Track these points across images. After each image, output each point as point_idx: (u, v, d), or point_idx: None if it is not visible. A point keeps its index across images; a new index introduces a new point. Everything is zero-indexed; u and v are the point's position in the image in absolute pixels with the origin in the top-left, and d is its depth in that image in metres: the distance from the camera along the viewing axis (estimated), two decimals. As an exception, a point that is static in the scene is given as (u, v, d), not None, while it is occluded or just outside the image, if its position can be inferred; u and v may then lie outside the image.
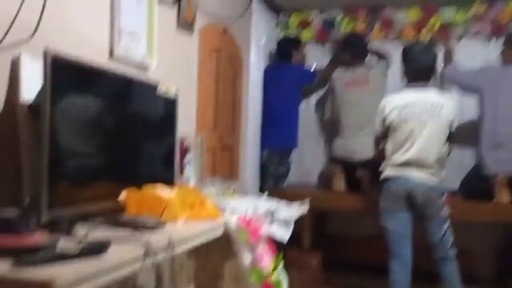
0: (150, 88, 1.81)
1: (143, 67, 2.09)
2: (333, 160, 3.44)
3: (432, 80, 2.51)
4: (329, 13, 3.73)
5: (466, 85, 3.01)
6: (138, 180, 1.61)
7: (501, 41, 3.16)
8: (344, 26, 3.68)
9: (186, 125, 2.51)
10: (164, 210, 1.48)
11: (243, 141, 3.29)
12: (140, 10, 2.05)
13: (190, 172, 2.24)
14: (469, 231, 3.26)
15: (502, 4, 3.28)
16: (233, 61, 3.14)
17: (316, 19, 3.76)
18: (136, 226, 1.37)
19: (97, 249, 1.09)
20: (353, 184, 3.29)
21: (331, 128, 3.66)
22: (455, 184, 3.26)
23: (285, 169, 3.57)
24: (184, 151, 2.28)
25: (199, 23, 2.64)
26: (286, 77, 3.49)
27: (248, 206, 1.85)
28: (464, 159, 3.30)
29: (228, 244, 1.67)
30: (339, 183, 3.32)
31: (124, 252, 1.16)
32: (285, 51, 3.59)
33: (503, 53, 3.04)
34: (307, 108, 3.87)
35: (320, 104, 3.86)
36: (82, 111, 1.43)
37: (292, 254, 3.15)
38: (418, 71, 2.45)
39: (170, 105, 2.01)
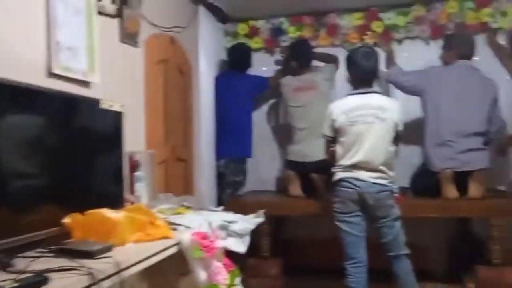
0: (92, 104, 1.74)
1: (85, 83, 2.00)
2: (288, 165, 3.46)
3: (376, 83, 2.56)
4: (276, 21, 3.76)
5: (409, 87, 3.10)
6: (84, 202, 1.54)
7: (440, 42, 3.28)
8: (291, 34, 3.71)
9: (135, 139, 2.43)
10: (112, 233, 1.41)
11: (197, 152, 3.24)
12: (79, 22, 1.95)
13: (141, 189, 2.17)
14: (421, 227, 3.36)
15: (440, 7, 3.41)
16: (182, 70, 3.08)
17: (264, 27, 3.79)
18: (81, 252, 1.30)
19: (36, 284, 1.02)
20: (308, 188, 3.31)
21: (284, 134, 3.69)
22: (405, 181, 3.37)
23: (242, 177, 3.55)
24: (134, 167, 2.20)
25: (144, 33, 2.57)
26: (238, 85, 3.47)
27: (202, 221, 1.81)
28: (412, 157, 3.40)
29: (183, 262, 1.62)
30: (295, 188, 3.34)
31: (67, 283, 1.09)
32: (237, 59, 3.58)
33: (443, 54, 3.16)
34: (260, 116, 3.87)
35: (273, 111, 3.89)
36: (19, 132, 1.34)
37: (251, 263, 3.14)
38: (362, 75, 2.51)
39: (116, 120, 1.94)
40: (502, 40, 3.31)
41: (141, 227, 1.52)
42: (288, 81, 3.46)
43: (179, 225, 1.76)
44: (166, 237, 1.57)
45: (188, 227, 1.74)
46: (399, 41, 3.56)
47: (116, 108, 1.93)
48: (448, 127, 2.90)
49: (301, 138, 3.34)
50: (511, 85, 3.27)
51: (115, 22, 2.31)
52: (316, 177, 3.25)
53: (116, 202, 1.89)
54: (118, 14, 2.32)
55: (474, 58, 3.10)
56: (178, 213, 1.95)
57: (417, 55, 3.53)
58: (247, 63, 3.62)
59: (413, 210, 2.91)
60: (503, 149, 3.07)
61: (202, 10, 3.29)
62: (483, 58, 3.34)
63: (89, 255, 1.29)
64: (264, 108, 3.91)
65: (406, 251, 2.45)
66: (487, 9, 3.32)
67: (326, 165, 2.79)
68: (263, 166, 3.86)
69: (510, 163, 3.19)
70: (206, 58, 3.36)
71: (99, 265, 1.21)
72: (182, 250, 1.59)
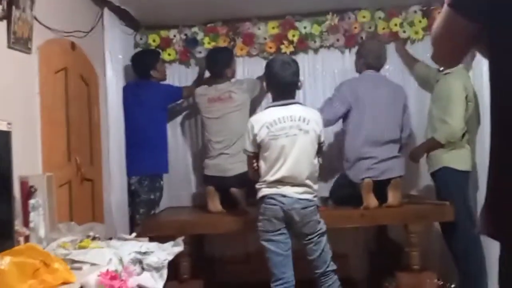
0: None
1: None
2: (206, 180, 3.27)
3: (295, 94, 2.49)
4: (189, 31, 3.57)
5: (341, 114, 3.00)
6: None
7: (354, 51, 3.33)
8: (206, 44, 3.55)
9: (29, 161, 2.11)
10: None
11: (106, 170, 2.94)
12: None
13: (38, 219, 1.86)
14: (343, 235, 3.37)
15: (352, 16, 3.47)
16: (86, 80, 2.78)
17: (177, 37, 3.58)
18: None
19: None
20: (229, 203, 3.16)
21: (201, 147, 3.52)
22: (326, 191, 3.36)
23: (157, 195, 3.29)
24: (28, 194, 1.89)
25: (38, 39, 2.25)
26: (148, 95, 3.22)
27: (112, 256, 1.57)
28: (332, 166, 3.41)
29: (88, 309, 1.37)
30: (215, 204, 3.16)
31: None
32: (143, 67, 3.30)
33: (356, 63, 3.19)
34: (175, 128, 3.66)
35: (189, 123, 3.69)
36: None
37: (170, 287, 2.90)
38: (281, 86, 2.42)
39: (2, 141, 1.63)
40: (410, 49, 3.44)
41: (34, 273, 1.25)
42: (203, 91, 3.27)
43: (83, 262, 1.51)
44: (66, 282, 1.31)
45: (94, 264, 1.49)
46: (315, 50, 3.56)
47: (1, 127, 1.63)
48: (365, 138, 2.92)
49: (218, 152, 3.16)
50: (420, 93, 3.40)
51: (2, 25, 1.98)
52: (236, 191, 3.11)
53: (6, 238, 1.59)
54: (5, 16, 1.99)
55: (384, 67, 3.17)
56: (83, 247, 1.69)
57: (332, 64, 3.56)
58: (150, 67, 3.30)
59: (335, 221, 2.87)
60: (415, 155, 3.16)
61: (107, 14, 3.00)
62: (394, 66, 3.47)
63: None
64: (179, 119, 3.70)
65: (333, 267, 2.40)
66: (396, 19, 3.43)
67: (246, 179, 2.67)
68: (180, 182, 3.65)
69: (421, 169, 3.30)
70: (114, 67, 3.07)
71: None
72: (87, 296, 1.34)
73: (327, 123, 2.90)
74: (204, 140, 3.34)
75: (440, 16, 0.98)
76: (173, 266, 2.90)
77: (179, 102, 3.56)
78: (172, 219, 3.14)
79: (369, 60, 3.07)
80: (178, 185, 3.64)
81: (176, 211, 3.42)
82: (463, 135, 2.92)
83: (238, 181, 3.03)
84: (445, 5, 0.96)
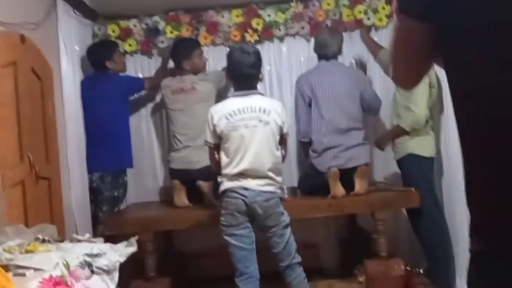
0: None
1: None
2: (172, 174, 3.19)
3: (257, 84, 2.42)
4: (150, 20, 3.45)
5: (307, 112, 3.02)
6: None
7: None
8: (168, 34, 3.44)
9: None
10: None
11: (65, 167, 2.82)
12: None
13: (-17, 222, 1.76)
14: (314, 225, 3.36)
15: (317, 3, 3.41)
16: (39, 74, 2.65)
17: (138, 27, 3.45)
18: None
19: None
20: (196, 196, 3.09)
21: (167, 140, 3.43)
22: (294, 181, 3.33)
23: (121, 191, 3.19)
24: (-28, 197, 1.78)
25: (-18, 32, 2.12)
26: (107, 88, 3.09)
27: (59, 259, 1.48)
28: (301, 157, 3.38)
29: (30, 318, 1.30)
30: (181, 198, 3.09)
31: None
32: (99, 59, 3.16)
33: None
34: (140, 120, 3.55)
35: (154, 115, 3.59)
36: None
37: (136, 286, 2.83)
38: (241, 76, 2.35)
39: None
40: (374, 36, 3.41)
41: (-34, 284, 1.16)
42: (168, 83, 3.20)
43: (28, 268, 1.42)
44: (3, 291, 1.23)
45: (38, 270, 1.41)
46: (280, 39, 3.50)
47: None
48: (327, 127, 2.91)
49: (184, 144, 3.09)
50: (385, 81, 3.38)
51: None
52: (203, 184, 3.04)
53: None
54: None
55: (347, 54, 3.14)
56: (30, 251, 1.60)
57: (298, 52, 3.51)
58: (106, 58, 3.15)
59: (302, 211, 2.86)
60: (381, 143, 3.15)
61: (61, 4, 2.86)
62: (359, 54, 3.44)
63: None
64: (144, 112, 3.59)
65: (298, 259, 2.37)
66: (361, 6, 3.39)
67: (213, 171, 2.61)
68: (146, 176, 3.56)
69: (387, 156, 3.29)
70: (70, 60, 2.94)
71: None
72: (28, 304, 1.26)
73: (308, 133, 2.97)
74: (170, 133, 3.26)
75: (393, 30, 0.93)
76: (139, 264, 2.86)
77: (142, 93, 3.45)
78: (137, 215, 3.06)
79: (318, 50, 3.08)
80: (144, 180, 3.56)
81: (141, 207, 3.34)
82: (427, 121, 2.92)
83: (205, 174, 2.96)
84: (395, 16, 0.92)
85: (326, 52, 3.04)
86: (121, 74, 3.29)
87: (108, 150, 3.09)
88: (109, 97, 3.08)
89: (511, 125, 0.76)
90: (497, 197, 0.78)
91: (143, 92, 3.43)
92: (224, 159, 2.31)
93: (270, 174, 2.28)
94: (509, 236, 0.77)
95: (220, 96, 3.12)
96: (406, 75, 0.97)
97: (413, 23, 0.86)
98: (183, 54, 3.14)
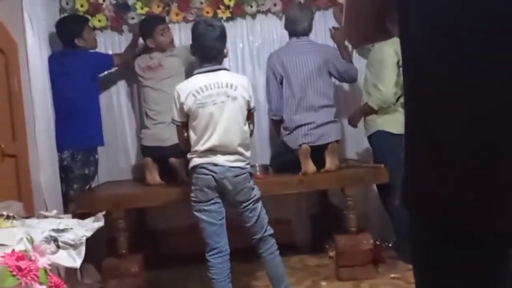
0: None
1: None
2: (144, 151, 3.17)
3: (222, 59, 2.40)
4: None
5: (278, 89, 3.05)
6: None
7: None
8: (139, 10, 3.37)
9: None
10: None
11: (32, 145, 2.76)
12: None
13: None
14: (284, 202, 3.40)
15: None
16: (2, 48, 2.56)
17: (107, 2, 3.37)
18: None
19: None
20: (168, 174, 3.09)
21: (140, 117, 3.40)
22: (266, 159, 3.35)
23: (92, 169, 3.15)
24: None
25: None
26: (74, 65, 3.03)
27: (23, 235, 1.47)
28: (273, 135, 3.40)
29: (-7, 293, 1.28)
30: (153, 176, 3.08)
31: None
32: (67, 35, 3.09)
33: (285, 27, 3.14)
34: (110, 97, 3.50)
35: (126, 92, 3.55)
36: None
37: (108, 263, 2.83)
38: (206, 51, 2.32)
39: None
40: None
41: None
42: (139, 61, 3.21)
43: (-10, 245, 1.40)
44: (-37, 266, 1.21)
45: (1, 245, 1.39)
46: (252, 16, 3.48)
47: None
48: (298, 105, 2.93)
49: (155, 121, 3.09)
50: (358, 60, 3.39)
51: None
52: (176, 161, 3.04)
53: None
54: None
55: (310, 32, 3.11)
56: (-7, 227, 1.57)
57: (270, 29, 3.51)
58: (75, 35, 3.08)
59: (274, 188, 2.89)
60: (352, 121, 3.19)
61: (23, -23, 2.76)
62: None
63: None
64: (115, 88, 3.53)
65: (270, 231, 2.40)
66: (335, -17, 3.38)
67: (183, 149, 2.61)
68: (119, 154, 3.53)
69: (360, 133, 3.34)
70: (36, 34, 2.84)
71: None
72: (-10, 279, 1.25)
73: (280, 111, 2.98)
74: (142, 110, 3.24)
75: None
76: (111, 242, 2.86)
77: (112, 70, 3.38)
78: (108, 193, 3.04)
79: (288, 27, 3.08)
80: (117, 158, 3.53)
81: (114, 185, 3.32)
82: (398, 99, 2.97)
83: (177, 151, 2.93)
84: None
85: (297, 29, 3.03)
86: (91, 51, 3.21)
87: (77, 128, 3.04)
88: (77, 75, 3.02)
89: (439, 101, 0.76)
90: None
91: (113, 69, 3.37)
92: (192, 136, 2.30)
93: (240, 149, 2.29)
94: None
95: (191, 72, 3.10)
96: (354, 31, 0.97)
97: None
98: (146, 32, 3.14)
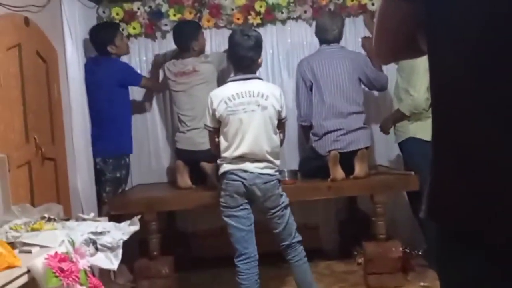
0: None
1: None
2: (177, 154, 3.25)
3: (256, 69, 2.44)
4: (154, 3, 3.46)
5: (308, 99, 3.07)
6: None
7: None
8: (172, 17, 3.45)
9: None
10: None
11: (69, 149, 2.88)
12: None
13: (-9, 202, 1.82)
14: (312, 207, 3.41)
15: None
16: (44, 56, 2.68)
17: (141, 10, 3.47)
18: None
19: None
20: (199, 178, 3.15)
21: (172, 121, 3.48)
22: (295, 164, 3.37)
23: (124, 172, 3.24)
24: (-20, 177, 1.84)
25: (-14, 15, 2.16)
26: (106, 73, 3.10)
27: (64, 237, 1.54)
28: (302, 140, 3.42)
29: (37, 292, 1.36)
30: (184, 179, 3.15)
31: None
32: (100, 43, 3.15)
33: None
34: (144, 103, 3.60)
35: (161, 97, 3.63)
36: None
37: (140, 264, 2.91)
38: (240, 60, 2.38)
39: None
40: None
41: (-25, 258, 1.22)
42: (170, 66, 3.25)
43: (33, 245, 1.49)
44: (11, 266, 1.29)
45: (44, 247, 1.47)
46: (282, 22, 3.50)
47: None
48: (328, 111, 2.94)
49: (188, 125, 3.14)
50: (388, 65, 3.37)
51: None
52: (206, 166, 3.09)
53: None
54: None
55: (340, 39, 3.11)
56: (35, 229, 1.66)
57: (300, 36, 3.52)
58: (107, 42, 3.14)
59: (302, 193, 2.91)
60: (384, 127, 3.17)
61: (64, -13, 2.88)
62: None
63: None
64: (148, 93, 3.62)
65: (299, 238, 2.43)
66: (366, -10, 3.38)
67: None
68: (151, 157, 3.61)
69: (392, 140, 3.31)
70: (75, 43, 2.97)
71: None
72: (35, 280, 1.33)
73: (309, 117, 3.01)
74: (176, 113, 3.29)
75: (380, 2, 0.94)
76: (143, 243, 2.94)
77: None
78: (140, 196, 3.12)
79: (319, 34, 3.09)
80: (149, 161, 3.61)
81: (146, 188, 3.40)
82: (430, 105, 2.93)
83: (208, 155, 2.99)
84: None
85: (327, 36, 3.05)
86: (124, 61, 3.28)
87: (107, 136, 3.11)
88: (106, 84, 3.09)
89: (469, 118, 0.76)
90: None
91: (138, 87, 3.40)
92: (223, 143, 2.35)
93: (269, 157, 2.32)
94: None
95: (222, 79, 3.16)
96: (384, 48, 0.98)
97: (397, 1, 0.88)
98: (190, 35, 3.17)
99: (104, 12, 3.47)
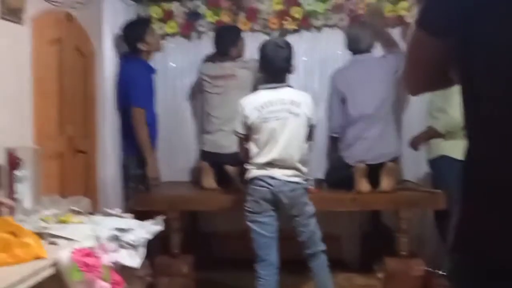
0: None
1: None
2: (202, 155, 3.28)
3: (287, 77, 2.44)
4: (191, 4, 3.50)
5: (340, 110, 3.04)
6: None
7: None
8: (209, 18, 3.49)
9: (19, 132, 2.12)
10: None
11: (101, 143, 2.95)
12: None
13: (24, 190, 1.88)
14: (336, 218, 3.37)
15: (360, -4, 3.37)
16: (82, 51, 2.76)
17: (179, 10, 3.52)
18: None
19: None
20: (223, 180, 3.17)
21: (202, 121, 3.50)
22: (321, 173, 3.34)
23: (146, 170, 3.28)
24: (14, 165, 1.90)
25: (31, 9, 2.23)
26: (131, 72, 3.07)
27: (90, 232, 1.58)
28: (330, 149, 3.39)
29: (61, 285, 1.40)
30: (208, 180, 3.17)
31: None
32: (130, 40, 3.08)
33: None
34: (174, 100, 3.64)
35: (191, 96, 3.67)
36: None
37: (160, 261, 2.95)
38: (272, 69, 2.39)
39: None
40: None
41: (5, 247, 1.27)
42: (208, 70, 3.27)
43: (60, 237, 1.53)
44: (38, 258, 1.33)
45: (70, 240, 1.51)
46: (318, 29, 3.49)
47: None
48: (360, 123, 2.91)
49: (217, 128, 3.16)
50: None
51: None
52: (231, 169, 3.11)
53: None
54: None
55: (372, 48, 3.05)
56: (63, 221, 1.70)
57: (335, 44, 3.48)
58: (137, 39, 3.05)
59: (326, 204, 2.88)
60: (415, 143, 3.11)
61: (105, -15, 2.95)
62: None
63: None
64: (180, 91, 3.67)
65: (323, 247, 2.42)
66: (404, 2, 3.31)
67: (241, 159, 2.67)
68: (179, 155, 3.65)
69: (421, 155, 3.24)
70: (112, 40, 3.04)
71: None
72: (60, 272, 1.36)
73: (340, 129, 3.00)
74: (203, 114, 3.32)
75: (411, 35, 0.91)
76: (164, 241, 2.97)
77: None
78: (165, 194, 3.16)
79: (351, 46, 3.06)
80: (177, 159, 3.64)
81: (171, 185, 3.43)
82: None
83: (233, 159, 3.02)
84: (413, 24, 0.90)
85: (359, 47, 3.01)
86: (142, 74, 3.10)
87: (130, 136, 3.07)
88: (131, 81, 3.02)
89: None
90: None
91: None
92: (254, 149, 2.37)
93: (298, 165, 2.33)
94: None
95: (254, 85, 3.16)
96: (413, 80, 0.97)
97: (430, 37, 0.87)
98: (231, 40, 3.19)
99: (143, 11, 3.53)
